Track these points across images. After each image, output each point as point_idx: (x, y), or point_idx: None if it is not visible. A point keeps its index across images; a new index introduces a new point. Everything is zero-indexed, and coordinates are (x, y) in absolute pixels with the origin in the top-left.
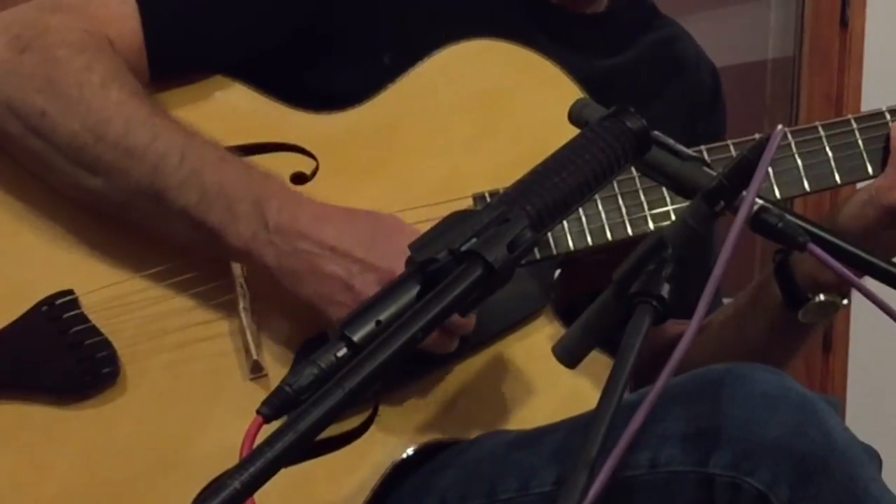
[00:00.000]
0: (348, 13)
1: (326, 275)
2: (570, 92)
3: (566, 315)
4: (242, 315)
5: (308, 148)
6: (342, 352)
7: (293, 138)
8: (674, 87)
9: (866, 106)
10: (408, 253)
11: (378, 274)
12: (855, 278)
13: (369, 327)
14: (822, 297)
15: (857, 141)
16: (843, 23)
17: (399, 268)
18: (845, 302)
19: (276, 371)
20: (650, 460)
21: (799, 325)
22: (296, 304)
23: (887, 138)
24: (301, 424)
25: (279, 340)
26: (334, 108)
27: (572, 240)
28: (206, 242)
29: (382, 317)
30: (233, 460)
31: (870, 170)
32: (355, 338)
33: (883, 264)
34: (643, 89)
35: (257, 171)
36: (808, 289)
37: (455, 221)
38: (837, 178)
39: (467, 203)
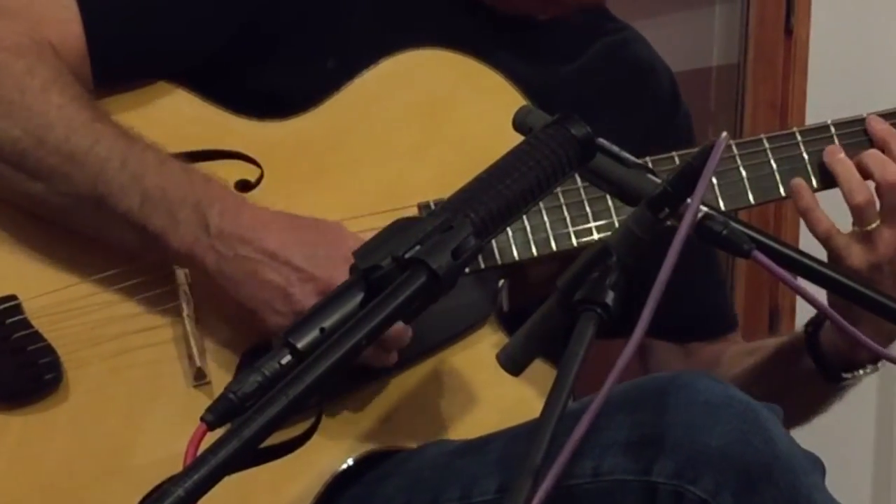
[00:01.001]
0: (293, 16)
1: (266, 282)
2: (513, 100)
3: (512, 324)
4: (186, 322)
5: (252, 155)
6: (286, 359)
7: (237, 146)
8: (627, 92)
9: (811, 113)
10: (349, 261)
11: (317, 283)
12: (799, 286)
13: (313, 335)
14: (860, 372)
15: (801, 154)
16: (788, 30)
17: (339, 277)
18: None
19: (220, 378)
20: (593, 468)
21: (835, 389)
22: (238, 310)
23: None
24: (245, 432)
25: (223, 347)
26: (278, 111)
27: (517, 250)
28: (149, 247)
29: (326, 324)
30: (177, 467)
31: (815, 183)
32: (299, 345)
33: (826, 271)
34: (592, 95)
35: (199, 174)
36: (841, 366)
37: (399, 229)
38: (782, 190)
39: (412, 211)
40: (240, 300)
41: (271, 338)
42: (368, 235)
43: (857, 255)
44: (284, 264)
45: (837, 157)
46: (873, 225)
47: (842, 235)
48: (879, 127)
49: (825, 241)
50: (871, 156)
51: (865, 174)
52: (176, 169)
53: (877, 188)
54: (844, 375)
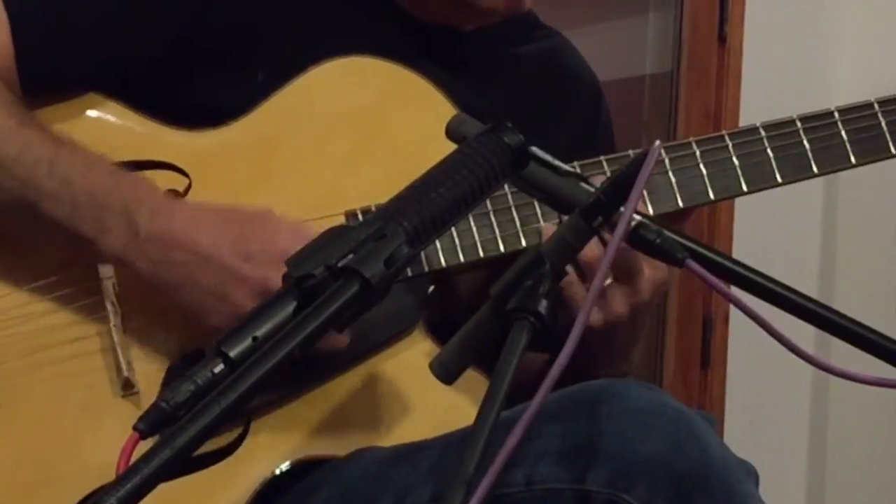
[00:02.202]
0: (222, 31)
1: (201, 287)
2: (444, 109)
3: (441, 331)
4: (113, 332)
5: (181, 165)
6: (219, 368)
7: (165, 156)
8: (555, 99)
9: (745, 121)
10: (284, 257)
11: (250, 284)
12: (733, 294)
13: (246, 343)
14: None
15: (731, 157)
16: (721, 38)
17: (274, 276)
18: None
19: (148, 388)
20: (526, 477)
21: None
22: (170, 317)
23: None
24: (177, 441)
25: (151, 357)
26: (209, 124)
27: (444, 256)
28: (82, 253)
29: (259, 333)
30: (108, 476)
31: (744, 186)
32: (232, 354)
33: (759, 279)
34: (522, 103)
35: (126, 176)
36: None
37: (332, 237)
38: (711, 194)
39: (341, 219)
40: (177, 303)
41: (210, 339)
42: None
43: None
44: (219, 266)
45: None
46: (607, 282)
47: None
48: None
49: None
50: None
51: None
52: (103, 173)
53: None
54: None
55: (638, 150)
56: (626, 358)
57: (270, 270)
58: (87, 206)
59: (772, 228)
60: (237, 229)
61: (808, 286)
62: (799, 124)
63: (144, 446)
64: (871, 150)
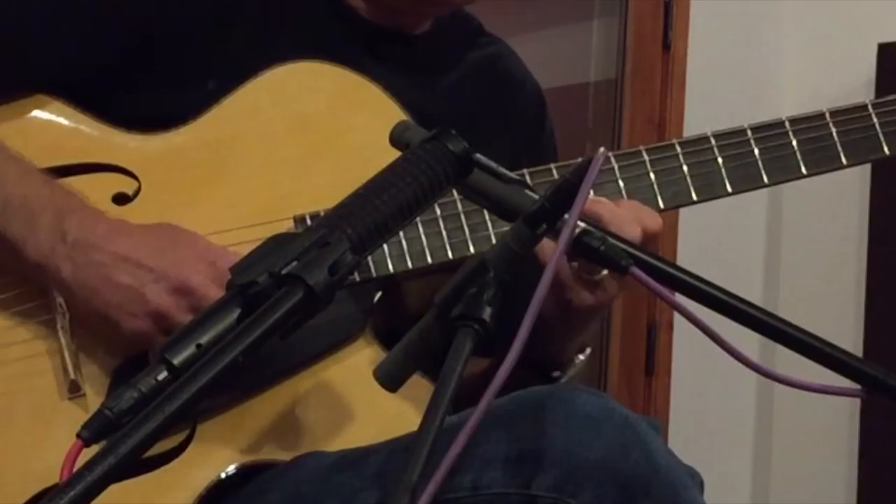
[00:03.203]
0: (172, 39)
1: (118, 285)
2: (392, 113)
3: (388, 338)
4: (60, 334)
5: (130, 168)
6: (163, 375)
7: (115, 159)
8: (499, 105)
9: (689, 128)
10: (201, 260)
11: (168, 282)
12: (677, 301)
13: (190, 351)
14: (569, 371)
15: (681, 166)
16: (666, 45)
17: (191, 275)
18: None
19: (95, 390)
20: (472, 483)
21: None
22: (97, 321)
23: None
24: (121, 448)
25: (98, 359)
26: (158, 129)
27: (392, 262)
28: (9, 255)
29: (203, 340)
30: (52, 480)
31: (693, 195)
32: (176, 361)
33: (704, 287)
34: (468, 109)
35: (60, 186)
36: (551, 368)
37: (276, 244)
38: (661, 203)
39: (289, 224)
40: (95, 307)
41: (130, 343)
42: (247, 249)
43: (585, 296)
44: (136, 265)
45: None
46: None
47: (568, 272)
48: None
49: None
50: (604, 206)
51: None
52: (38, 180)
53: None
54: (554, 374)
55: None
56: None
57: (187, 269)
58: (19, 208)
59: (716, 236)
60: (157, 236)
61: (752, 294)
62: (750, 134)
63: (89, 452)
64: (822, 161)
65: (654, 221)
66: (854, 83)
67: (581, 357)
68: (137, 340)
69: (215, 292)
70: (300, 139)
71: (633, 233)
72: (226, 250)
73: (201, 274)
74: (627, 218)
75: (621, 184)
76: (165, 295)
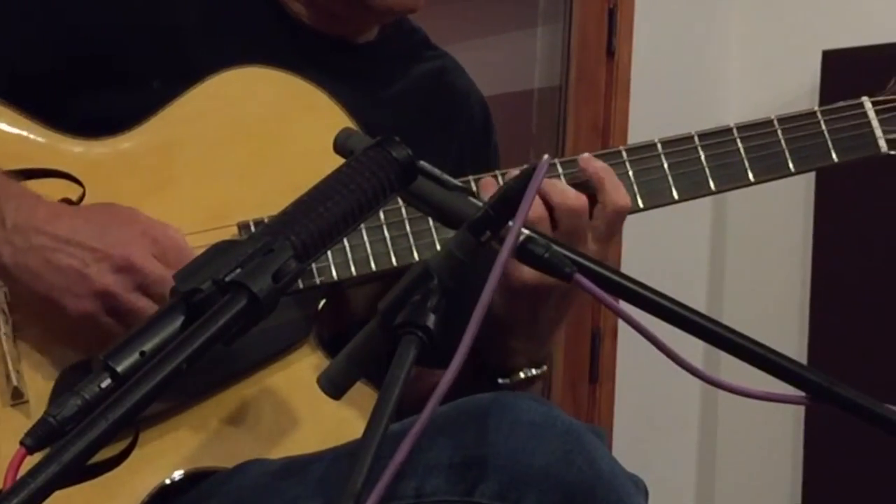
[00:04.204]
0: (117, 40)
1: (61, 267)
2: (339, 119)
3: (333, 344)
4: (3, 340)
5: (75, 174)
6: (106, 382)
7: (60, 164)
8: (443, 119)
9: (633, 135)
10: (143, 237)
11: (112, 261)
12: (621, 309)
13: (133, 358)
14: (519, 376)
15: (627, 173)
16: (610, 52)
17: (133, 252)
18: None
19: (38, 398)
20: (416, 490)
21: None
22: (61, 326)
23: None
24: (65, 456)
25: (41, 367)
26: (106, 133)
27: (336, 269)
28: None
29: (147, 347)
30: None
31: (640, 202)
32: (119, 368)
33: (649, 294)
34: (412, 121)
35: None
36: (498, 373)
37: (220, 251)
38: None
39: (235, 231)
40: (39, 292)
41: (76, 327)
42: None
43: (529, 273)
44: (78, 246)
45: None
46: None
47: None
48: (594, 166)
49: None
50: (551, 184)
51: (543, 197)
52: None
53: (552, 212)
54: (501, 381)
55: (527, 165)
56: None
57: (130, 247)
58: None
59: (660, 242)
60: (97, 217)
61: (696, 301)
62: (697, 140)
63: (33, 460)
64: (770, 168)
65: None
66: (798, 90)
67: (534, 371)
68: (84, 323)
69: (159, 269)
70: (246, 145)
71: (626, 200)
72: (167, 226)
73: (144, 250)
74: (623, 187)
75: None
76: (109, 274)
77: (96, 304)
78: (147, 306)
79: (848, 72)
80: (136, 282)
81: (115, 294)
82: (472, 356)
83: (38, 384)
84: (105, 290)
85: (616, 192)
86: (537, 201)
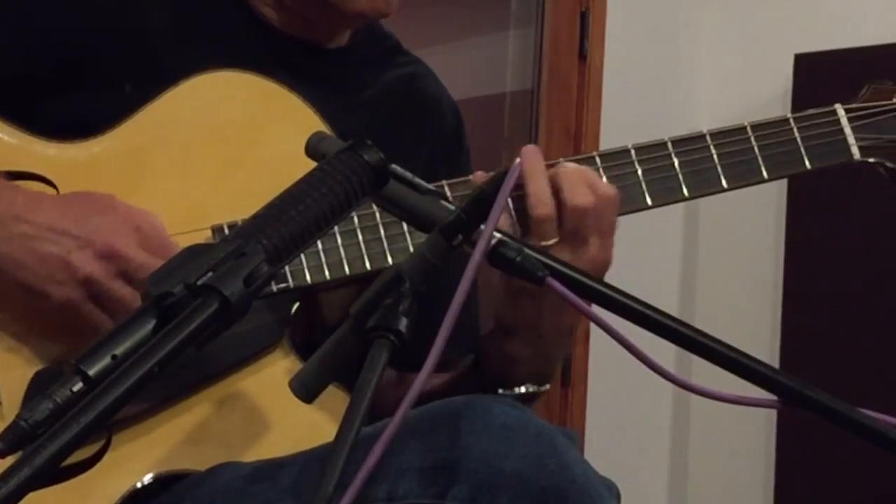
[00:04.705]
0: (89, 44)
1: (45, 255)
2: (312, 124)
3: (305, 348)
4: None
5: (48, 176)
6: (78, 386)
7: (32, 166)
8: (415, 125)
9: (605, 138)
10: (125, 225)
11: (95, 248)
12: (593, 312)
13: (105, 362)
14: (518, 390)
15: (601, 179)
16: (582, 55)
17: (116, 240)
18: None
19: (10, 401)
20: (388, 493)
21: None
22: (35, 327)
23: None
24: (37, 460)
25: (13, 370)
26: (77, 137)
27: (310, 273)
28: None
29: (118, 351)
30: None
31: None
32: (91, 372)
33: (621, 298)
34: (384, 126)
35: None
36: (498, 383)
37: (192, 255)
38: None
39: (208, 234)
40: (23, 281)
41: (59, 316)
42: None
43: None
44: (62, 234)
45: (535, 166)
46: (551, 242)
47: None
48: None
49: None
50: (566, 173)
51: (555, 189)
52: None
53: (560, 207)
54: (500, 391)
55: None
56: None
57: (113, 235)
58: None
59: (633, 246)
60: (78, 205)
61: (668, 305)
62: (670, 147)
63: (5, 463)
64: (743, 175)
65: (607, 188)
66: (771, 94)
67: (535, 388)
68: (68, 312)
69: (142, 256)
70: (218, 149)
71: (586, 200)
72: (147, 213)
73: (127, 237)
74: (581, 182)
75: None
76: (93, 261)
77: (80, 292)
78: (129, 294)
79: (820, 75)
80: (119, 269)
81: (99, 281)
82: (473, 366)
83: (11, 388)
84: (88, 277)
85: (572, 190)
86: (547, 195)
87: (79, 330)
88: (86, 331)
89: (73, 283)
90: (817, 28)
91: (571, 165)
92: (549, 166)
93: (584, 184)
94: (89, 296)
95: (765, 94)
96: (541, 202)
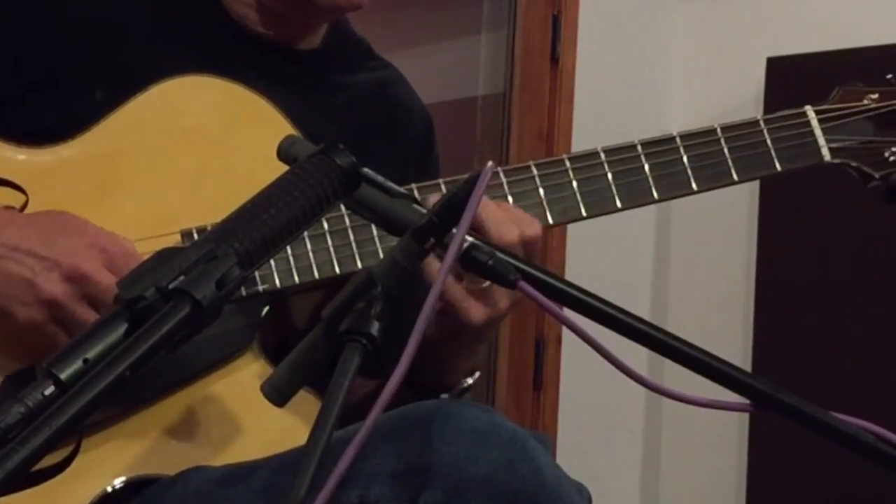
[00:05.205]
0: (59, 51)
1: (10, 275)
2: (282, 129)
3: (276, 352)
4: None
5: (18, 182)
6: (49, 390)
7: (2, 172)
8: (386, 131)
9: (577, 142)
10: (92, 247)
11: (61, 270)
12: (565, 316)
13: (77, 365)
14: (455, 390)
15: (570, 181)
16: (554, 59)
17: (82, 262)
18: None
19: None
20: (359, 497)
21: None
22: (4, 333)
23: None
24: (8, 463)
25: None
26: (47, 142)
27: (279, 277)
28: None
29: (90, 355)
30: None
31: (583, 211)
32: (62, 376)
33: (593, 302)
34: (355, 131)
35: None
36: (439, 390)
37: (163, 259)
38: (550, 218)
39: (178, 239)
40: None
41: (24, 337)
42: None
43: (476, 310)
44: (27, 255)
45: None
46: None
47: (457, 288)
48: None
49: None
50: (485, 207)
51: (476, 224)
52: None
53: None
54: (443, 397)
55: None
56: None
57: (78, 257)
58: None
59: (604, 250)
60: (45, 226)
61: (640, 308)
62: (640, 149)
63: None
64: (713, 177)
65: (532, 228)
66: (743, 97)
67: (469, 381)
68: (32, 332)
69: (108, 278)
70: (189, 153)
71: (511, 236)
72: (116, 235)
73: (93, 260)
74: (506, 220)
75: (510, 199)
76: (58, 283)
77: (45, 313)
78: (93, 317)
79: (792, 78)
80: (84, 292)
81: (64, 303)
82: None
83: None
84: (53, 299)
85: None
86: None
87: (42, 351)
88: (49, 351)
89: (38, 305)
90: (790, 31)
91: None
92: (519, 169)
93: (510, 220)
94: (53, 318)
95: (737, 97)
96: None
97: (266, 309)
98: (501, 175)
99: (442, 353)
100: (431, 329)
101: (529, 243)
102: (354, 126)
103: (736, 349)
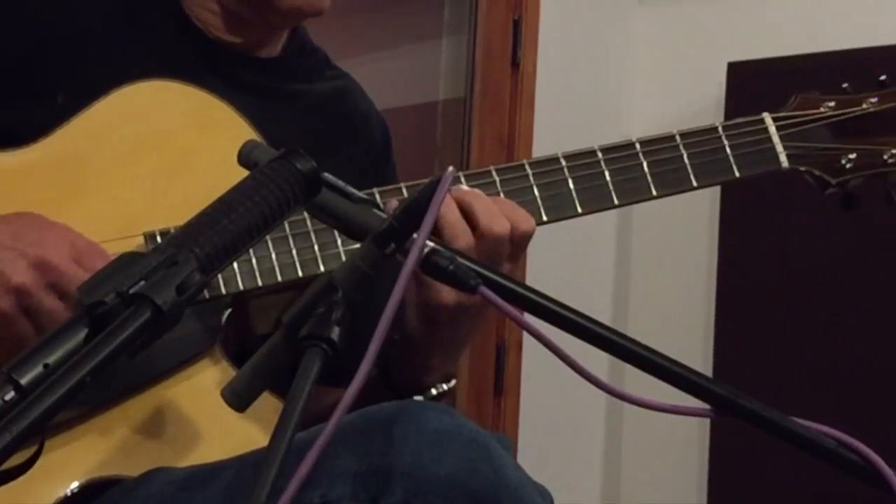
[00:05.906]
0: (20, 55)
1: None
2: (244, 134)
3: (238, 355)
4: None
5: None
6: (9, 395)
7: None
8: (344, 139)
9: (538, 146)
10: (58, 238)
11: (28, 259)
12: (526, 321)
13: (37, 371)
14: (431, 392)
15: (531, 186)
16: (515, 63)
17: (49, 251)
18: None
19: None
20: (321, 498)
21: None
22: None
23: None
24: None
25: None
26: (9, 147)
27: (242, 280)
28: None
29: (50, 360)
30: None
31: (544, 215)
32: (23, 381)
33: (554, 307)
34: (314, 137)
35: None
36: (412, 391)
37: (124, 264)
38: None
39: (140, 241)
40: None
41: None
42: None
43: (447, 293)
44: None
45: (478, 195)
46: None
47: None
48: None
49: None
50: (479, 199)
51: (468, 215)
52: None
53: (477, 234)
54: (416, 398)
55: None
56: (459, 354)
57: (46, 250)
58: None
59: (565, 255)
60: (13, 221)
61: (601, 313)
62: (600, 155)
63: None
64: (673, 183)
65: (527, 223)
66: (704, 102)
67: (445, 386)
68: (1, 324)
69: (74, 269)
70: (151, 157)
71: (502, 227)
72: (81, 235)
73: (61, 251)
74: (498, 212)
75: None
76: (25, 272)
77: (12, 303)
78: (60, 307)
79: (753, 83)
80: (51, 280)
81: (31, 292)
82: (382, 375)
83: None
84: (21, 288)
85: (491, 219)
86: (459, 218)
87: (8, 343)
88: (14, 344)
89: (5, 295)
90: (751, 37)
91: (478, 193)
92: (480, 174)
93: (502, 213)
94: (21, 308)
95: (698, 102)
96: (463, 234)
97: (228, 312)
98: (462, 179)
99: (418, 347)
100: (409, 313)
101: (519, 238)
102: (313, 133)
103: (697, 354)
